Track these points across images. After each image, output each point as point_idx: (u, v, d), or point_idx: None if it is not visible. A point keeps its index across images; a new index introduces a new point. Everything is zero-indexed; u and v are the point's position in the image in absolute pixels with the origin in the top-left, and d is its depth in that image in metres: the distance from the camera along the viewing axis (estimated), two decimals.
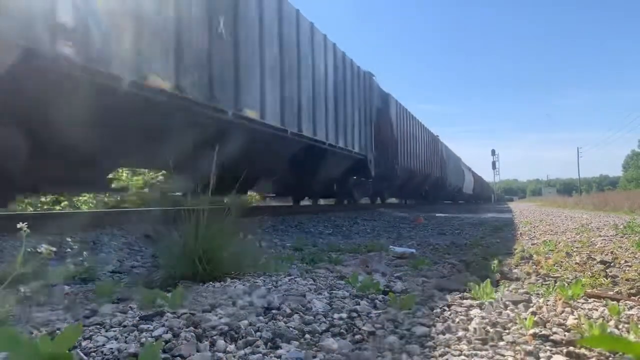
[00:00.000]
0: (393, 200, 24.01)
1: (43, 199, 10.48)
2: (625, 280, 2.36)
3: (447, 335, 1.43)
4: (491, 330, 1.46)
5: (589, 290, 2.06)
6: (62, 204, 10.20)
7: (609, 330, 1.47)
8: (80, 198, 10.63)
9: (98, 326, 1.49)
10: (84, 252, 3.27)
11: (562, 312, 1.70)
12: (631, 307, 1.77)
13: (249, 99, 5.99)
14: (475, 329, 1.47)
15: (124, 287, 2.24)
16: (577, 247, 3.79)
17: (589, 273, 2.59)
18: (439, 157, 23.58)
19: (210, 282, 2.19)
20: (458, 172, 30.94)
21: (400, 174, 15.04)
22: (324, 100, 8.59)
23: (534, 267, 2.86)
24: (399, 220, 9.26)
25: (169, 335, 1.36)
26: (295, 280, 2.27)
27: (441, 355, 1.28)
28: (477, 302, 1.85)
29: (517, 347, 1.31)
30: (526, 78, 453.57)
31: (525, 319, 1.50)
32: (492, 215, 13.05)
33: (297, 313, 1.63)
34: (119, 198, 10.92)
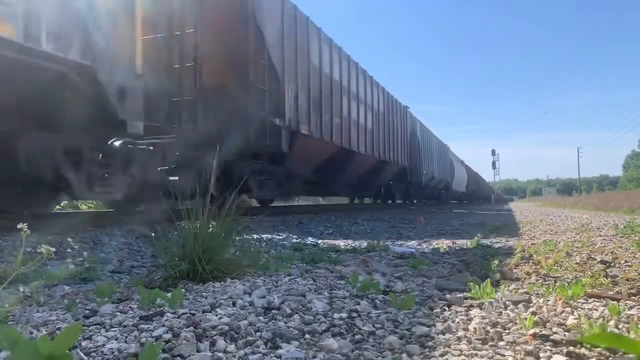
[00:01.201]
0: (344, 200, 16.54)
1: None
2: (626, 280, 2.36)
3: (447, 335, 1.43)
4: (491, 330, 1.46)
5: (589, 290, 2.06)
6: (62, 204, 10.20)
7: (609, 330, 1.47)
8: None
9: (98, 326, 1.49)
10: (84, 252, 3.27)
11: (562, 312, 1.70)
12: (631, 307, 1.77)
13: None
14: (475, 328, 1.47)
15: (124, 287, 2.24)
16: (577, 247, 3.79)
17: (589, 273, 2.59)
18: (406, 137, 16.20)
19: (210, 282, 2.19)
20: (444, 163, 23.80)
21: (295, 145, 7.78)
22: None
23: (534, 267, 2.86)
24: (399, 221, 9.26)
25: (169, 335, 1.36)
26: (295, 280, 2.27)
27: (441, 355, 1.28)
28: (477, 302, 1.85)
29: (517, 347, 1.31)
30: (526, 78, 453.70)
31: (525, 318, 1.49)
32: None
33: (297, 313, 1.63)
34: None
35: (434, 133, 22.71)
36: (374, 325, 1.52)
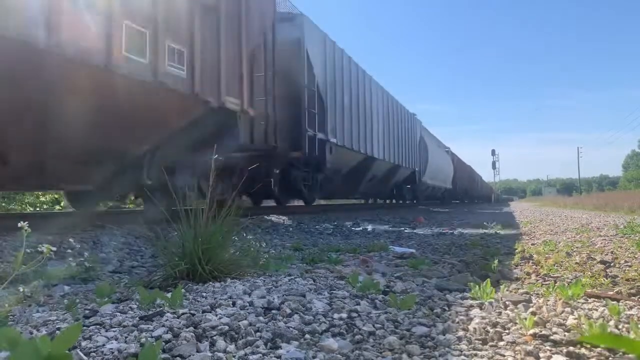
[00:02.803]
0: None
1: (43, 199, 10.48)
2: (626, 280, 2.36)
3: (447, 335, 1.43)
4: (491, 330, 1.46)
5: (589, 290, 2.06)
6: (62, 204, 10.20)
7: (609, 330, 1.47)
8: None
9: (98, 326, 1.49)
10: (84, 252, 3.27)
11: (562, 312, 1.69)
12: (631, 307, 1.77)
13: None
14: (475, 329, 1.47)
15: (124, 287, 2.24)
16: (577, 247, 3.79)
17: (589, 273, 2.59)
18: (262, 45, 5.89)
19: (210, 282, 2.19)
20: (406, 141, 15.72)
21: None
22: None
23: (534, 267, 2.86)
24: (399, 221, 9.26)
25: (169, 335, 1.36)
26: (295, 280, 2.27)
27: (441, 355, 1.28)
28: (477, 302, 1.85)
29: (517, 347, 1.31)
30: (526, 78, 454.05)
31: (525, 319, 1.49)
32: None
33: (297, 313, 1.63)
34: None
35: (387, 90, 13.47)
36: (374, 326, 1.52)
